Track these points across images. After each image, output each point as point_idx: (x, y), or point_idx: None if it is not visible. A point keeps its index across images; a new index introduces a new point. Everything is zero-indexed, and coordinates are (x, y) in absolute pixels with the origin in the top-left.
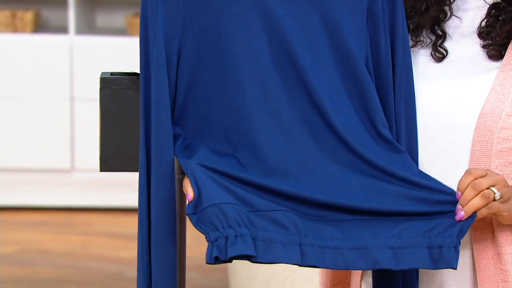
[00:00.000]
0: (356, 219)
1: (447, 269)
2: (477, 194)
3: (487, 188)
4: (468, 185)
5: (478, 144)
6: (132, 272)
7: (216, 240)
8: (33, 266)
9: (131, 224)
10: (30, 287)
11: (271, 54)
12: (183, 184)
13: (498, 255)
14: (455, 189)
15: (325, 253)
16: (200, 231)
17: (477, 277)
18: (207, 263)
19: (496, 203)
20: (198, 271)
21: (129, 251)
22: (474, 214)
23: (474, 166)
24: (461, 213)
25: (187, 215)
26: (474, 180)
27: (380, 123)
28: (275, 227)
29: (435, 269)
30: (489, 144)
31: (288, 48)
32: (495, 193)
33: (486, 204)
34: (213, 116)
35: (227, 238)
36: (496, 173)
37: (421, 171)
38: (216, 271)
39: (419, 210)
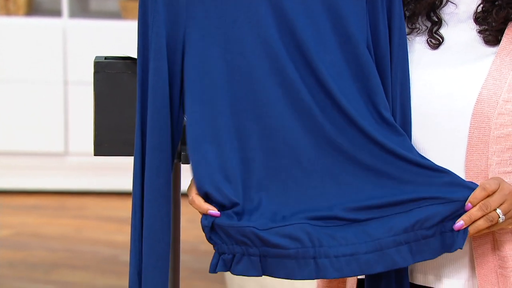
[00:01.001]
0: (369, 219)
1: (444, 257)
2: (484, 215)
3: (494, 210)
4: (478, 202)
5: (476, 130)
6: (126, 255)
7: (224, 253)
8: (28, 250)
9: (125, 207)
10: (25, 271)
11: (277, 37)
12: (195, 201)
13: (496, 241)
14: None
15: (341, 262)
16: (209, 241)
17: (475, 264)
18: (209, 272)
19: (498, 225)
20: (193, 254)
21: (123, 234)
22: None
23: (472, 153)
24: (461, 222)
25: (202, 227)
26: (487, 196)
27: (382, 106)
28: (288, 242)
29: (449, 252)
30: (486, 130)
31: (293, 31)
32: (499, 217)
33: (489, 227)
34: (221, 102)
35: (234, 255)
36: (509, 185)
37: (421, 155)
38: (211, 255)
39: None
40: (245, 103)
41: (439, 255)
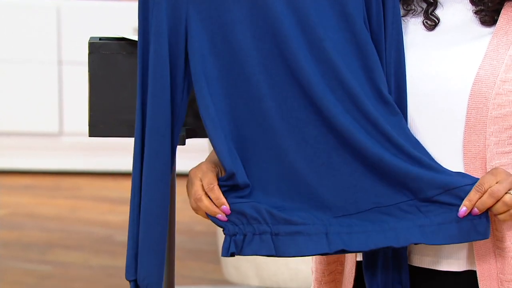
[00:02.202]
0: (377, 208)
1: None
2: (497, 201)
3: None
4: (474, 205)
5: (473, 110)
6: (121, 236)
7: (235, 235)
8: (22, 230)
9: (120, 188)
10: (19, 251)
11: (281, 17)
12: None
13: (494, 222)
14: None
15: (353, 238)
16: (217, 224)
17: (473, 244)
18: (222, 256)
19: None
20: (187, 235)
21: (118, 215)
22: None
23: (469, 133)
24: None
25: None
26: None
27: (382, 84)
28: (300, 220)
29: (468, 241)
30: (484, 111)
31: (297, 9)
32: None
33: (508, 210)
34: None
35: (245, 235)
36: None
37: (415, 138)
38: (206, 235)
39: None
40: (249, 83)
41: (461, 242)
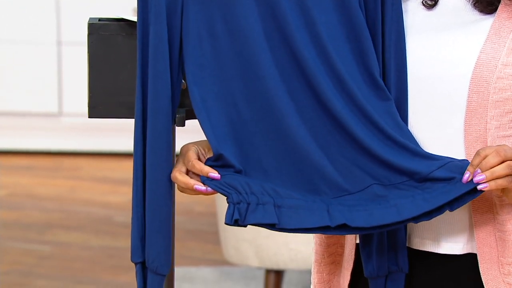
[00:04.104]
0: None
1: (442, 221)
2: (502, 162)
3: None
4: (475, 168)
5: (475, 94)
6: (121, 216)
7: (238, 203)
8: (21, 210)
9: (120, 168)
10: (19, 231)
11: None
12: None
13: (495, 205)
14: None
15: (354, 214)
16: (221, 193)
17: (474, 227)
18: (225, 223)
19: None
20: (187, 215)
21: (118, 195)
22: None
23: (470, 117)
24: (481, 176)
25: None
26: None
27: (374, 68)
28: (302, 196)
29: (461, 193)
30: (485, 95)
31: None
32: None
33: (509, 175)
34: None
35: (248, 204)
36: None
37: (404, 124)
38: (206, 216)
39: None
40: (244, 64)
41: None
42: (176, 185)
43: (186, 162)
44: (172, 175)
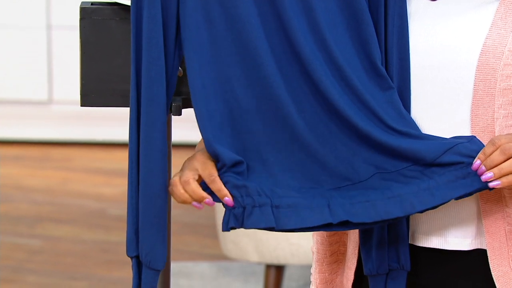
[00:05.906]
0: (379, 173)
1: (449, 216)
2: (508, 159)
3: None
4: (487, 158)
5: (481, 83)
6: (114, 209)
7: (234, 208)
8: (10, 203)
9: (113, 159)
10: (8, 224)
11: None
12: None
13: (504, 198)
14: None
15: (356, 207)
16: (216, 201)
17: (483, 222)
18: (223, 230)
19: None
20: (184, 208)
21: (112, 187)
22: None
23: (477, 106)
24: (489, 174)
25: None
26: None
27: (376, 56)
28: (300, 193)
29: (471, 190)
30: (492, 83)
31: None
32: None
33: None
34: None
35: (244, 208)
36: None
37: (406, 113)
38: (203, 209)
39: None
40: (241, 51)
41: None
42: (172, 182)
43: (208, 175)
44: (184, 180)
